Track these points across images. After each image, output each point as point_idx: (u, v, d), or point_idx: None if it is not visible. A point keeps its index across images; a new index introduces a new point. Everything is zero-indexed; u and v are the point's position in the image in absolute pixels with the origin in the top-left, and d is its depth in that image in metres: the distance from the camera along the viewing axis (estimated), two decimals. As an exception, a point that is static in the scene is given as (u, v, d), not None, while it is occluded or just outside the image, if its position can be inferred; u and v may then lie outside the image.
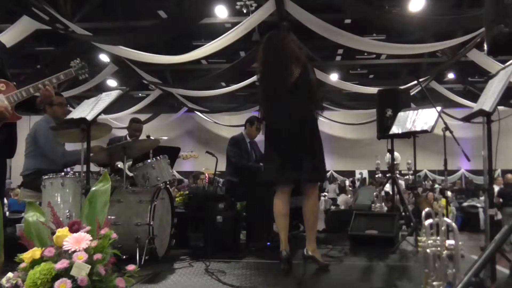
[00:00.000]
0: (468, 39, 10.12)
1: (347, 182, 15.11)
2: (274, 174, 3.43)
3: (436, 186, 14.86)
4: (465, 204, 12.44)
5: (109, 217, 2.19)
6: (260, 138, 5.47)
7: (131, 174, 4.24)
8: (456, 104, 15.12)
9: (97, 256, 1.88)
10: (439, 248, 2.18)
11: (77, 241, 1.91)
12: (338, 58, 14.67)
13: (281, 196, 3.52)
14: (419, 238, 2.88)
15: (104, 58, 12.15)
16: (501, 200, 9.50)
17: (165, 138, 12.78)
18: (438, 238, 2.20)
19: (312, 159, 3.38)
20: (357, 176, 18.31)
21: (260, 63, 3.55)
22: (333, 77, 13.16)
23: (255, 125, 5.27)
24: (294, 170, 3.35)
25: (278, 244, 4.37)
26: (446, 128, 3.96)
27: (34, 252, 1.92)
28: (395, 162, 4.95)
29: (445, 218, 2.25)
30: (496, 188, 10.02)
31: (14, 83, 2.78)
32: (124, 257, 2.97)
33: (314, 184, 3.55)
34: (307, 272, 3.32)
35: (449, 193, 5.20)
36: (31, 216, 2.14)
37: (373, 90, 11.12)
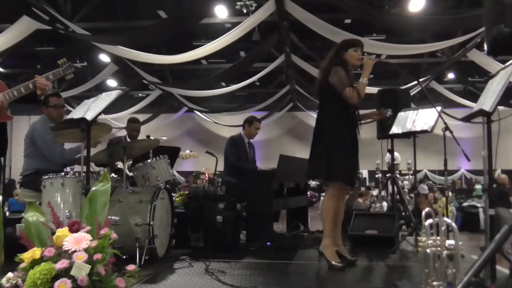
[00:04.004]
0: (468, 39, 10.12)
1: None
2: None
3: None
4: (465, 204, 12.44)
5: (109, 217, 2.20)
6: (257, 139, 5.49)
7: (131, 174, 4.24)
8: (456, 104, 15.12)
9: (97, 256, 1.88)
10: (439, 248, 2.18)
11: (77, 241, 1.91)
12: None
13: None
14: (419, 238, 2.89)
15: (104, 58, 12.16)
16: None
17: (165, 138, 12.78)
18: (438, 238, 2.20)
19: (315, 158, 3.49)
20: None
21: None
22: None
23: (254, 125, 5.28)
24: (308, 167, 3.58)
25: (278, 244, 4.39)
26: (446, 128, 3.95)
27: (34, 252, 1.92)
28: (395, 162, 4.95)
29: (445, 218, 2.25)
30: None
31: (5, 82, 2.79)
32: (124, 257, 2.97)
33: (330, 183, 3.56)
34: (307, 272, 3.32)
35: (449, 193, 5.19)
36: (31, 216, 2.14)
37: (373, 90, 11.11)
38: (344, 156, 3.40)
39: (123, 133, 5.33)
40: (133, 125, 5.19)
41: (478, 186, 15.60)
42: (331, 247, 3.38)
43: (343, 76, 3.39)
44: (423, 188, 14.09)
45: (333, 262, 3.31)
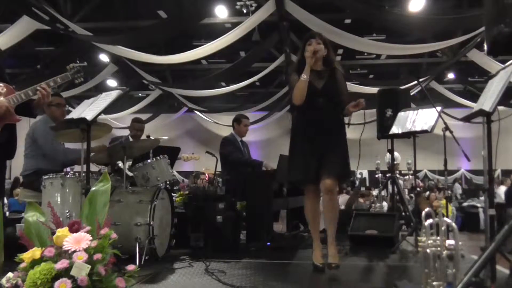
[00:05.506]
0: (468, 39, 10.12)
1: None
2: None
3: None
4: (465, 204, 12.44)
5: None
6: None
7: (131, 174, 4.24)
8: (456, 104, 15.10)
9: (97, 256, 1.88)
10: (439, 248, 2.18)
11: (77, 241, 1.91)
12: (338, 58, 14.66)
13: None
14: (419, 238, 2.88)
15: (104, 58, 12.14)
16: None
17: (165, 138, 12.78)
18: (438, 238, 2.20)
19: None
20: (357, 175, 18.28)
21: None
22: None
23: (242, 122, 5.29)
24: None
25: (278, 244, 4.39)
26: (446, 128, 3.96)
27: (34, 252, 1.92)
28: (395, 162, 4.94)
29: (445, 218, 2.25)
30: (503, 189, 10.06)
31: (13, 86, 2.79)
32: (124, 257, 2.97)
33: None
34: (307, 272, 3.32)
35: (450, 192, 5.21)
36: (31, 216, 2.14)
37: (373, 90, 11.11)
38: (289, 159, 3.43)
39: (124, 132, 5.33)
40: (138, 125, 5.22)
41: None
42: (316, 249, 3.37)
43: (292, 81, 3.42)
44: (457, 187, 14.05)
45: (314, 262, 3.32)
